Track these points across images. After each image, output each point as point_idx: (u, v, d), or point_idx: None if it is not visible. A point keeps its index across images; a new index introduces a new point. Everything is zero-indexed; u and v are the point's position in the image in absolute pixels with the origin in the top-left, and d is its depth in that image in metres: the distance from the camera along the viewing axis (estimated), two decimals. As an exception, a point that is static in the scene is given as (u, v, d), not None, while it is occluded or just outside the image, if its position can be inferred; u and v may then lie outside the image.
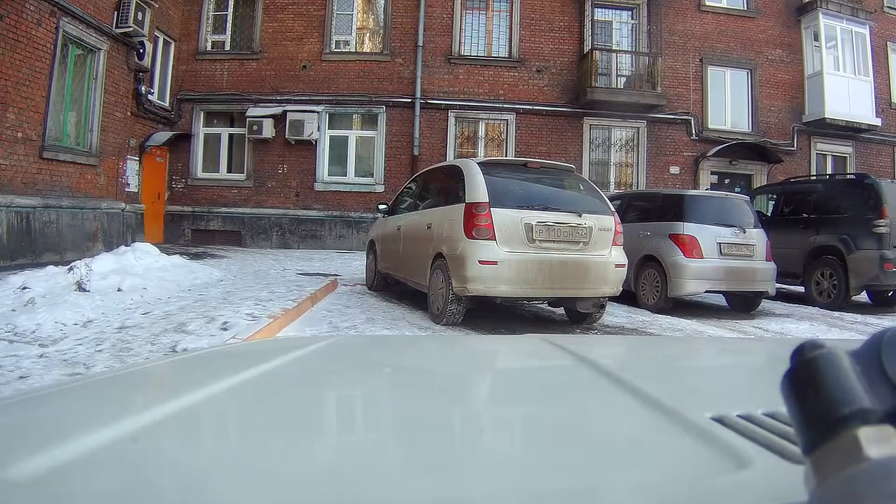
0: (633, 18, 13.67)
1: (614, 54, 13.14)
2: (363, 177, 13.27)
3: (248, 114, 12.80)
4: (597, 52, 12.81)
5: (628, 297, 6.86)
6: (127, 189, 11.03)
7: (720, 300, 7.55)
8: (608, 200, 5.65)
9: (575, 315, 5.70)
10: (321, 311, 5.66)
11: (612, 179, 13.31)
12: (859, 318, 6.87)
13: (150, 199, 12.18)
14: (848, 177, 9.15)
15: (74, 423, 0.56)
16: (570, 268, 5.03)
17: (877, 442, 0.28)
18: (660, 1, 13.32)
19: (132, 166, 11.33)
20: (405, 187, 7.28)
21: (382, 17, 13.45)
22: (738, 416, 0.53)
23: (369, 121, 13.37)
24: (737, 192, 9.57)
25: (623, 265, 5.32)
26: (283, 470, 0.44)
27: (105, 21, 9.57)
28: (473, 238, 4.88)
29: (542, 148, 12.70)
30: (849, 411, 0.29)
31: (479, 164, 5.38)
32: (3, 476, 0.40)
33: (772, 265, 6.91)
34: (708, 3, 13.63)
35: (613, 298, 5.71)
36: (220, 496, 0.40)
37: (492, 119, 13.26)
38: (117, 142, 10.37)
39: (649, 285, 6.94)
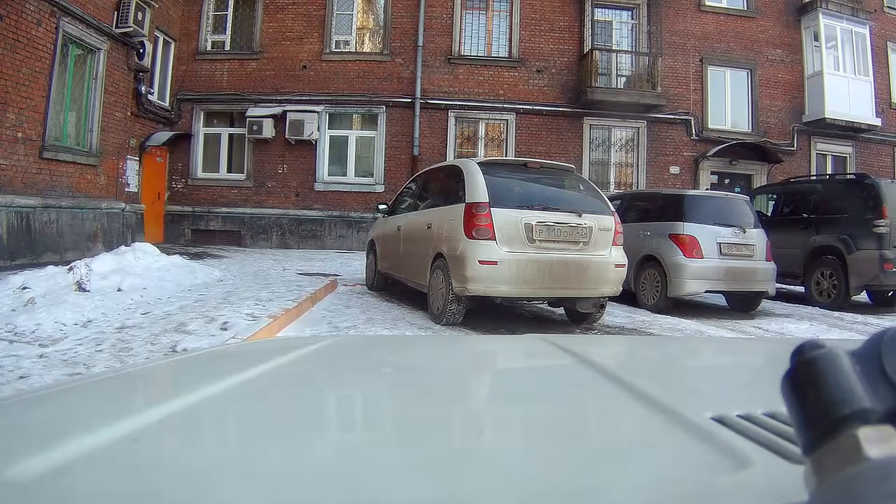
0: (633, 18, 13.67)
1: (614, 54, 13.14)
2: (363, 177, 13.27)
3: (248, 114, 12.80)
4: (597, 52, 12.81)
5: (628, 297, 6.86)
6: (127, 189, 11.03)
7: (720, 300, 7.55)
8: (608, 200, 5.66)
9: (575, 315, 5.70)
10: (321, 311, 5.66)
11: (612, 179, 13.31)
12: (859, 318, 6.87)
13: (150, 199, 12.18)
14: (848, 177, 9.14)
15: (74, 423, 0.56)
16: (570, 268, 5.03)
17: (877, 442, 0.28)
18: (660, 1, 13.32)
19: (132, 166, 11.33)
20: (405, 187, 7.28)
21: (382, 17, 13.45)
22: (738, 416, 0.53)
23: (369, 121, 13.37)
24: (737, 192, 9.57)
25: (623, 265, 5.32)
26: (283, 470, 0.44)
27: (105, 21, 9.57)
28: (473, 238, 4.88)
29: (542, 148, 12.70)
30: (849, 411, 0.30)
31: (479, 164, 5.38)
32: (3, 476, 0.40)
33: (772, 265, 6.91)
34: (708, 3, 13.63)
35: (613, 298, 5.71)
36: (220, 496, 0.40)
37: (492, 119, 13.26)
38: (117, 142, 10.37)
39: (649, 285, 6.94)
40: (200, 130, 13.35)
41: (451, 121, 13.14)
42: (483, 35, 13.43)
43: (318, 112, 12.91)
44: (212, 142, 13.56)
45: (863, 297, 8.17)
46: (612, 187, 12.78)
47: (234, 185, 13.27)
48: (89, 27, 9.19)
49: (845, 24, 13.43)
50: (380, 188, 12.90)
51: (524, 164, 5.66)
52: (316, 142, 12.99)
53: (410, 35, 13.10)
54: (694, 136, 13.36)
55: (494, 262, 4.83)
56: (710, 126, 13.45)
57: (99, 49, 9.55)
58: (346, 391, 0.78)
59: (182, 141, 12.96)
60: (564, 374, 0.85)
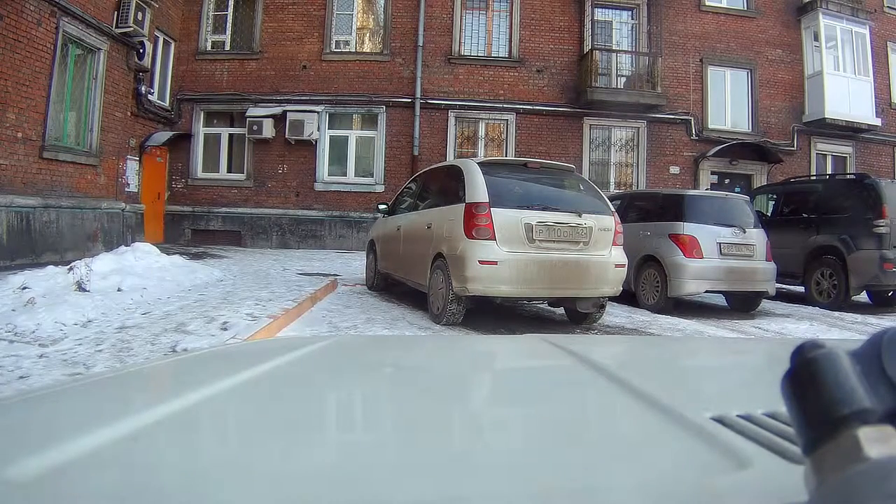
0: (633, 18, 13.67)
1: (614, 54, 13.14)
2: (363, 177, 13.27)
3: (248, 114, 12.79)
4: (597, 52, 12.82)
5: (628, 297, 6.86)
6: (127, 189, 11.03)
7: (720, 300, 7.55)
8: (608, 200, 5.66)
9: (575, 315, 5.70)
10: (321, 311, 5.66)
11: (612, 179, 13.31)
12: (859, 318, 6.87)
13: (150, 199, 12.18)
14: (848, 177, 9.15)
15: (74, 423, 0.56)
16: (570, 268, 5.03)
17: (877, 442, 0.29)
18: (660, 1, 13.32)
19: (132, 166, 11.33)
20: (405, 187, 7.28)
21: (382, 17, 13.46)
22: (738, 416, 0.53)
23: (369, 121, 13.37)
24: (737, 192, 9.57)
25: (623, 265, 5.32)
26: (283, 470, 0.44)
27: (105, 21, 9.57)
28: (473, 238, 4.88)
29: (542, 148, 12.70)
30: (849, 411, 0.30)
31: (479, 164, 5.38)
32: (3, 476, 0.40)
33: (772, 265, 6.91)
34: (708, 3, 13.63)
35: (613, 298, 5.71)
36: (220, 496, 0.40)
37: (492, 119, 13.26)
38: (117, 142, 10.37)
39: (649, 285, 6.94)
40: (200, 130, 13.35)
41: (451, 121, 13.14)
42: (483, 35, 13.43)
43: (318, 112, 12.91)
44: (212, 142, 13.55)
45: (863, 297, 8.17)
46: (612, 187, 12.77)
47: (234, 185, 13.27)
48: (89, 27, 9.19)
49: (845, 24, 13.43)
50: (380, 188, 12.89)
51: (524, 164, 5.66)
52: (316, 142, 12.99)
53: (410, 35, 13.10)
54: (694, 136, 13.36)
55: (494, 262, 4.83)
56: (710, 126, 13.45)
57: (99, 49, 9.55)
58: (347, 391, 0.78)
59: (182, 141, 12.96)
60: (564, 374, 0.85)
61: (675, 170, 13.31)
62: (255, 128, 12.64)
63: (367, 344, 1.49)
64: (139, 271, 6.05)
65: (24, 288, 4.89)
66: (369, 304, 6.24)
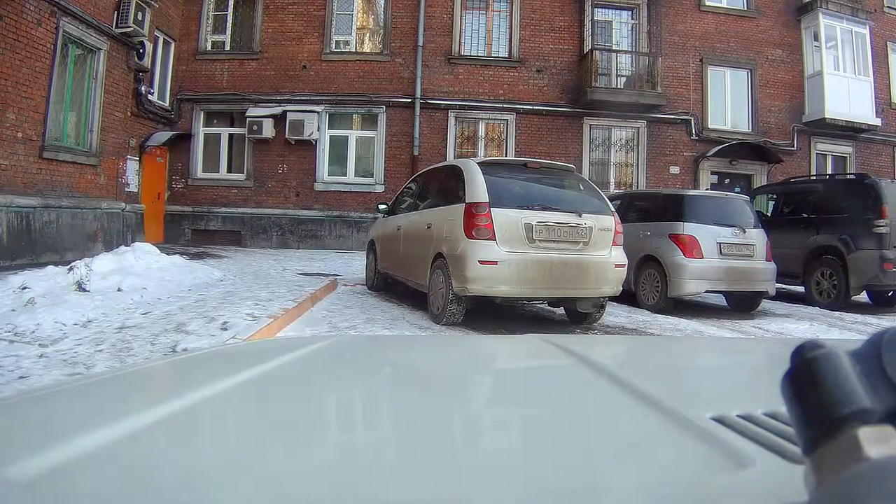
0: (633, 18, 13.67)
1: (614, 54, 13.14)
2: (363, 177, 13.27)
3: (248, 114, 12.80)
4: (597, 52, 12.81)
5: (628, 297, 6.86)
6: (127, 189, 11.04)
7: (720, 300, 7.55)
8: (608, 200, 5.66)
9: (575, 315, 5.70)
10: (321, 311, 5.66)
11: (612, 179, 13.31)
12: (859, 318, 6.87)
13: (150, 199, 12.19)
14: (848, 177, 9.15)
15: (74, 423, 0.56)
16: (570, 268, 5.03)
17: (877, 442, 0.28)
18: (660, 1, 13.31)
19: (132, 166, 11.34)
20: (405, 187, 7.28)
21: (382, 17, 13.46)
22: (738, 416, 0.53)
23: (369, 121, 13.37)
24: (737, 192, 9.57)
25: (623, 265, 5.32)
26: (283, 470, 0.44)
27: (105, 21, 9.57)
28: (473, 238, 4.88)
29: (542, 148, 12.70)
30: (849, 411, 0.30)
31: (479, 164, 5.38)
32: (3, 476, 0.40)
33: (772, 265, 6.91)
34: (708, 3, 13.63)
35: (613, 298, 5.71)
36: (220, 496, 0.40)
37: (492, 119, 13.26)
38: (117, 142, 10.38)
39: (649, 285, 6.94)
40: (200, 130, 13.36)
41: (451, 121, 13.14)
42: (483, 35, 13.43)
43: (318, 112, 12.91)
44: (212, 142, 13.56)
45: (863, 297, 8.17)
46: (612, 187, 12.77)
47: (234, 185, 13.27)
48: (89, 27, 9.18)
49: (845, 24, 13.43)
50: (380, 188, 12.90)
51: (524, 164, 5.66)
52: (316, 142, 12.99)
53: (410, 35, 13.10)
54: (694, 136, 13.36)
55: (494, 263, 4.83)
56: (710, 126, 13.45)
57: (99, 49, 9.55)
58: (347, 391, 0.78)
59: (182, 141, 12.96)
60: (564, 374, 0.85)
61: (675, 170, 13.32)
62: (255, 128, 12.64)
63: (367, 344, 1.49)
64: (139, 271, 6.05)
65: (24, 288, 4.89)
66: (369, 304, 6.24)
